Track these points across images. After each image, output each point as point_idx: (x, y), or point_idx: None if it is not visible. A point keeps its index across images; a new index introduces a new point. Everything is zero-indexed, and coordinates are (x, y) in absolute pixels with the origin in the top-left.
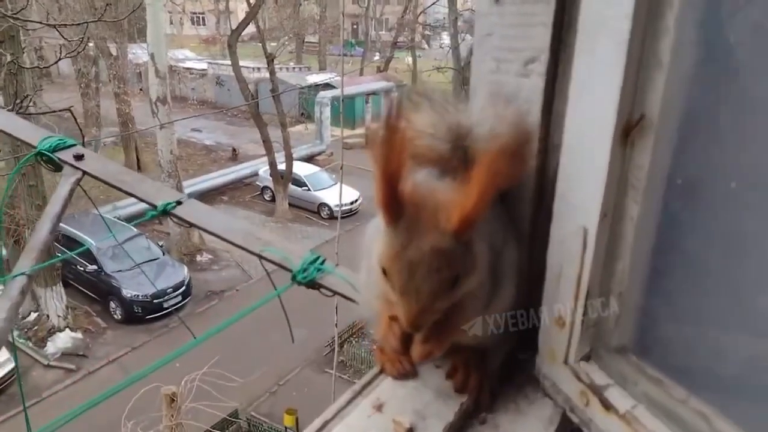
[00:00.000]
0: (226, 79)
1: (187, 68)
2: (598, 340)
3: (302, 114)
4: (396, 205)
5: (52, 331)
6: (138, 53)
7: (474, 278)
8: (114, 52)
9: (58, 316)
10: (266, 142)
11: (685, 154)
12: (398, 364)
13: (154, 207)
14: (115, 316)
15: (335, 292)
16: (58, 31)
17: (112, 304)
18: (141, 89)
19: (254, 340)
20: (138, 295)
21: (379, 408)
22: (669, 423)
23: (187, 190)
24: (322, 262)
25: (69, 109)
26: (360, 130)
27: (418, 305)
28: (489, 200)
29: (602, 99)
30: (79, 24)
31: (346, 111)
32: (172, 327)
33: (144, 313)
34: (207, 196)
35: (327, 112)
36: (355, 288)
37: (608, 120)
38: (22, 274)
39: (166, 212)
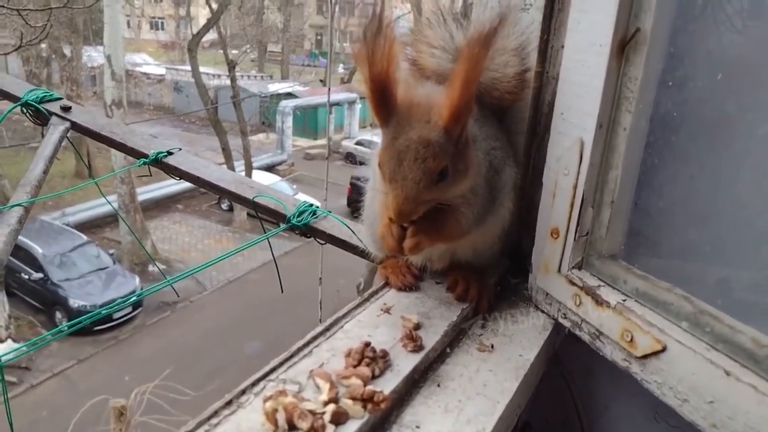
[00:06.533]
0: (184, 85)
1: (145, 73)
2: (590, 249)
3: (263, 123)
4: (386, 105)
5: None
6: (93, 56)
7: (465, 181)
8: (68, 53)
9: (0, 326)
10: (225, 150)
11: (676, 59)
12: (402, 276)
13: (146, 156)
14: (60, 326)
15: (330, 239)
16: (22, 17)
17: (58, 315)
18: (95, 92)
19: (208, 354)
20: (86, 306)
21: (387, 310)
22: (656, 308)
23: (141, 197)
24: (316, 208)
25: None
26: (322, 141)
27: (404, 192)
28: (474, 89)
29: (599, 20)
30: (43, 9)
31: (308, 122)
32: (121, 339)
33: (92, 324)
34: (161, 204)
35: (289, 121)
36: (350, 228)
37: (605, 38)
38: (19, 204)
39: (157, 161)
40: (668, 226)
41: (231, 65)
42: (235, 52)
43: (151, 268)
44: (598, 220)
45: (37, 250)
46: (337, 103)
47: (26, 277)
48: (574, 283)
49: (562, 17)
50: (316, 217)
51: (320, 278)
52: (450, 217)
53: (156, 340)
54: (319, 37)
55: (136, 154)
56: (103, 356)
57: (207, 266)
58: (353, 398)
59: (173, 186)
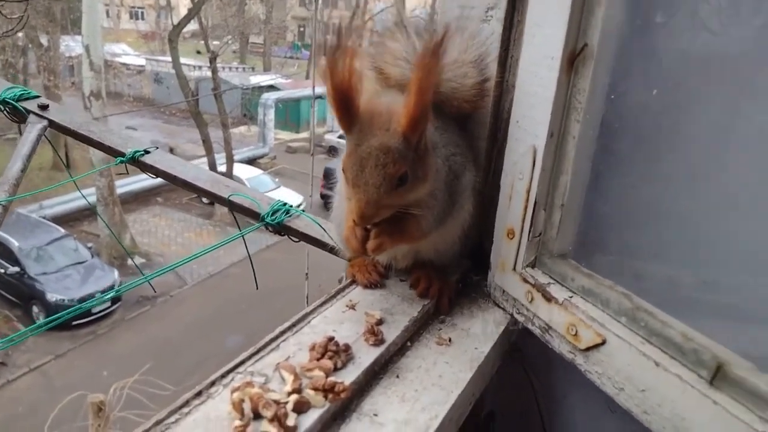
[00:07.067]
0: (164, 76)
1: (124, 63)
2: (542, 249)
3: (245, 115)
4: (348, 114)
5: None
6: (71, 45)
7: (424, 186)
8: (45, 42)
9: None
10: (206, 142)
11: (619, 74)
12: (368, 274)
13: (123, 155)
14: (38, 322)
15: (303, 237)
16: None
17: (35, 309)
18: (73, 83)
19: (188, 348)
20: (64, 300)
21: (352, 307)
22: (599, 305)
23: (120, 190)
24: (290, 207)
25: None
26: (305, 134)
27: (366, 196)
28: (428, 98)
29: (551, 34)
30: (20, 0)
31: (290, 115)
32: (99, 334)
33: (69, 319)
34: (141, 197)
35: (271, 114)
36: (323, 227)
37: (556, 51)
38: None
39: (134, 159)
40: (613, 228)
41: (212, 56)
42: (216, 43)
43: (130, 261)
44: (549, 221)
45: (14, 243)
46: (320, 97)
47: (2, 270)
48: (527, 281)
49: (522, 29)
50: (290, 216)
51: (306, 273)
52: (411, 219)
53: (135, 335)
54: (301, 29)
55: (113, 152)
56: (81, 351)
57: (185, 263)
58: (315, 389)
59: (153, 179)
